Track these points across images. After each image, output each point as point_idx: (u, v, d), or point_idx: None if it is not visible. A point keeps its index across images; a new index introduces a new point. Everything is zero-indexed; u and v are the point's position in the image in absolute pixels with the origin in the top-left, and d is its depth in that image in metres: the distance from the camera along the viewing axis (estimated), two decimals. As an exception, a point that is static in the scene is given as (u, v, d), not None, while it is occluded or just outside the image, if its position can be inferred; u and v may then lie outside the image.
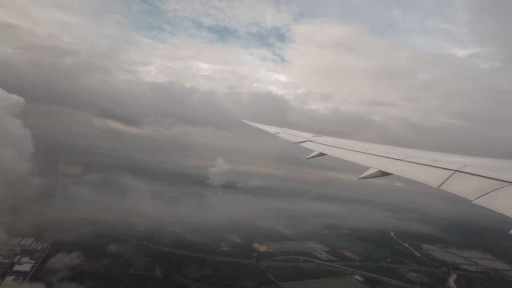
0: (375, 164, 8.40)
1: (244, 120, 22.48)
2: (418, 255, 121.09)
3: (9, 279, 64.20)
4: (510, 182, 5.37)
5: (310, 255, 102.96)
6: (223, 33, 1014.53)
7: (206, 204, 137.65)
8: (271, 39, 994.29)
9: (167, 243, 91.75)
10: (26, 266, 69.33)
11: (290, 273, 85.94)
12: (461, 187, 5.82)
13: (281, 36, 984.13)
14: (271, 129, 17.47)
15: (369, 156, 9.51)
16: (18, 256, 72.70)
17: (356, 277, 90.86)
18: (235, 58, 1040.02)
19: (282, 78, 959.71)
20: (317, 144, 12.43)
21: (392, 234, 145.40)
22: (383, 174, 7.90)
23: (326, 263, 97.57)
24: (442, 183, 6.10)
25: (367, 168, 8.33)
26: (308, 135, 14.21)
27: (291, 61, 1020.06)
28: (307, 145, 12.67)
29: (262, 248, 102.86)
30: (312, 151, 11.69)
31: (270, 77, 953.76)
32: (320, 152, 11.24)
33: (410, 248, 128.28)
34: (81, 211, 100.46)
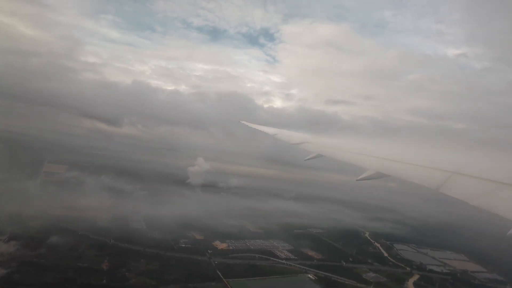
0: (373, 166, 8.43)
1: (242, 121, 22.76)
2: (386, 255, 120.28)
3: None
4: (509, 183, 5.36)
5: (269, 253, 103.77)
6: (213, 34, 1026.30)
7: (179, 203, 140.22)
8: (261, 39, 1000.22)
9: (125, 238, 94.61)
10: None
11: (239, 270, 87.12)
12: (459, 189, 5.82)
13: (271, 36, 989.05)
14: (269, 130, 17.65)
15: (367, 157, 9.52)
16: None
17: (309, 276, 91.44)
18: (226, 58, 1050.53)
19: (274, 78, 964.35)
20: (315, 145, 12.44)
21: (366, 234, 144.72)
22: (381, 175, 7.96)
23: (283, 261, 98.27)
24: (441, 185, 6.09)
25: (366, 169, 8.38)
26: (307, 136, 14.27)
27: (282, 61, 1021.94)
28: (305, 146, 12.60)
29: (222, 246, 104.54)
30: (310, 152, 11.71)
31: (261, 77, 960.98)
32: (318, 154, 11.24)
33: (380, 248, 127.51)
34: (50, 207, 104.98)
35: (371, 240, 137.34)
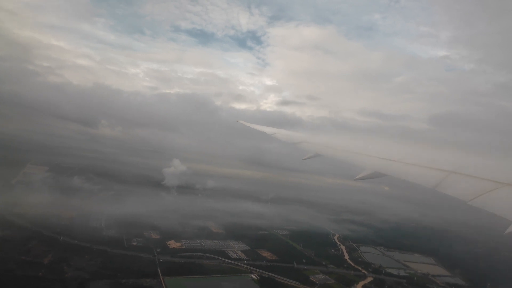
0: (371, 165, 8.44)
1: (240, 121, 22.83)
2: (346, 257, 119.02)
3: None
4: (506, 183, 5.34)
5: (221, 253, 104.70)
6: (201, 37, 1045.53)
7: (147, 203, 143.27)
8: (248, 42, 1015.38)
9: (78, 236, 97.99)
10: None
11: (181, 269, 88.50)
12: (456, 188, 5.81)
13: (257, 39, 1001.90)
14: (267, 129, 17.68)
15: (365, 157, 9.52)
16: None
17: (252, 276, 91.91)
18: (215, 61, 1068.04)
19: (264, 80, 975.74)
20: (313, 144, 12.52)
21: (335, 237, 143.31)
22: (379, 175, 7.95)
23: (230, 261, 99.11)
24: (437, 184, 6.11)
25: (364, 169, 8.44)
26: (305, 136, 14.46)
27: (271, 63, 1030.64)
28: (303, 146, 12.65)
29: (176, 245, 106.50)
30: (309, 151, 11.75)
31: (250, 79, 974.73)
32: (316, 153, 11.24)
33: (344, 251, 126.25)
34: (12, 205, 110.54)
35: (337, 242, 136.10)
